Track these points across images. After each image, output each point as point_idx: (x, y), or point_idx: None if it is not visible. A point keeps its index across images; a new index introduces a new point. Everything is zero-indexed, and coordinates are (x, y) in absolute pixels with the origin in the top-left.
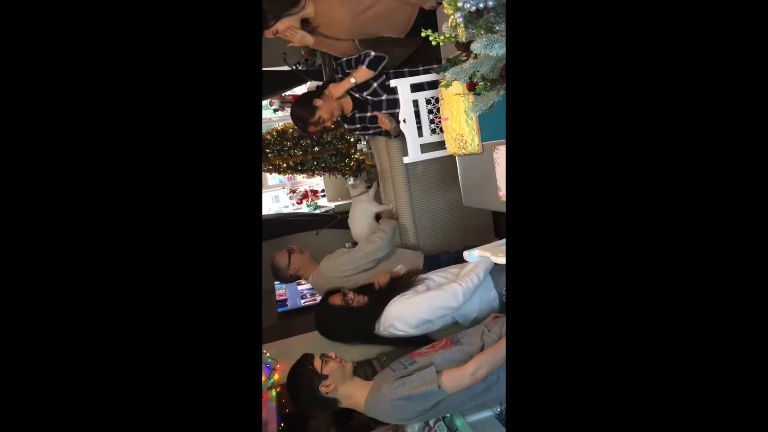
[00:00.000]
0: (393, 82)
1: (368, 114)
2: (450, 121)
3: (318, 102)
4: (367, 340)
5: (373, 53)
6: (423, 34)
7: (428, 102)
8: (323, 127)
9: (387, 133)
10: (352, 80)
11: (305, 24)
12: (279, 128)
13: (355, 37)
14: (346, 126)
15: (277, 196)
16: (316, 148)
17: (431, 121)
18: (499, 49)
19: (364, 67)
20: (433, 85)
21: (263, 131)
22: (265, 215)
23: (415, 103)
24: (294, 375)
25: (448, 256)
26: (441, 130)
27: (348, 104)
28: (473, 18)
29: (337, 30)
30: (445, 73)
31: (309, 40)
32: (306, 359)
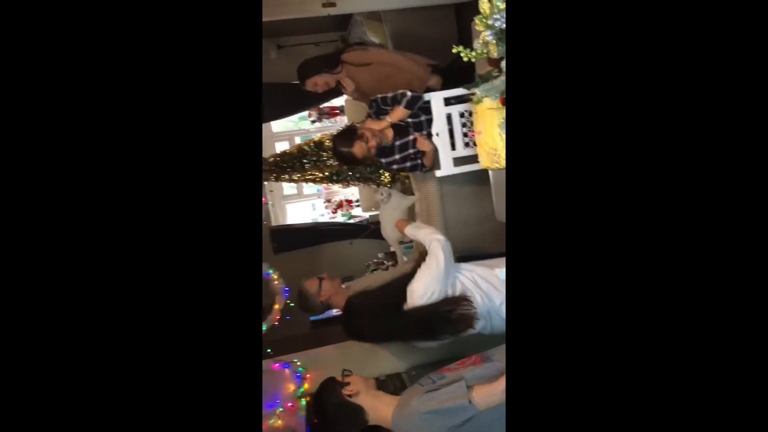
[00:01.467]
0: (426, 96)
1: (410, 137)
2: (483, 135)
3: (358, 140)
4: (398, 325)
5: (410, 93)
6: (454, 50)
7: (461, 115)
8: (370, 155)
9: (422, 166)
10: (389, 119)
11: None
12: (316, 139)
13: (377, 93)
14: (382, 161)
15: (314, 204)
16: None
17: (464, 135)
18: None
19: (401, 107)
20: (465, 99)
21: (302, 141)
22: (301, 224)
23: (449, 117)
24: (317, 394)
25: None
26: (474, 143)
27: (389, 132)
28: (504, 35)
29: (364, 90)
30: (477, 90)
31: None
32: (328, 379)
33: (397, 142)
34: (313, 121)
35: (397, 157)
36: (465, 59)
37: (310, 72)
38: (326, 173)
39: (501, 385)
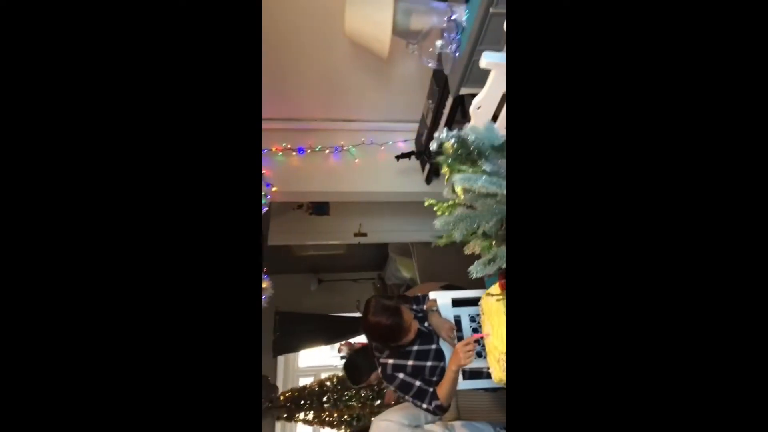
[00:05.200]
0: (432, 294)
1: (433, 347)
2: (491, 336)
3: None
4: None
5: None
6: (426, 203)
7: (472, 320)
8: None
9: (433, 398)
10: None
11: None
12: (340, 375)
13: None
14: (389, 362)
15: None
16: (378, 402)
17: (476, 342)
18: (482, 182)
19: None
20: (475, 301)
21: (326, 376)
22: None
23: (458, 321)
24: None
25: None
26: (483, 348)
27: (415, 328)
28: (458, 154)
29: None
30: (435, 223)
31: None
32: None
33: (416, 347)
34: (342, 357)
35: (409, 365)
36: (439, 213)
37: (361, 380)
38: (345, 417)
39: None
